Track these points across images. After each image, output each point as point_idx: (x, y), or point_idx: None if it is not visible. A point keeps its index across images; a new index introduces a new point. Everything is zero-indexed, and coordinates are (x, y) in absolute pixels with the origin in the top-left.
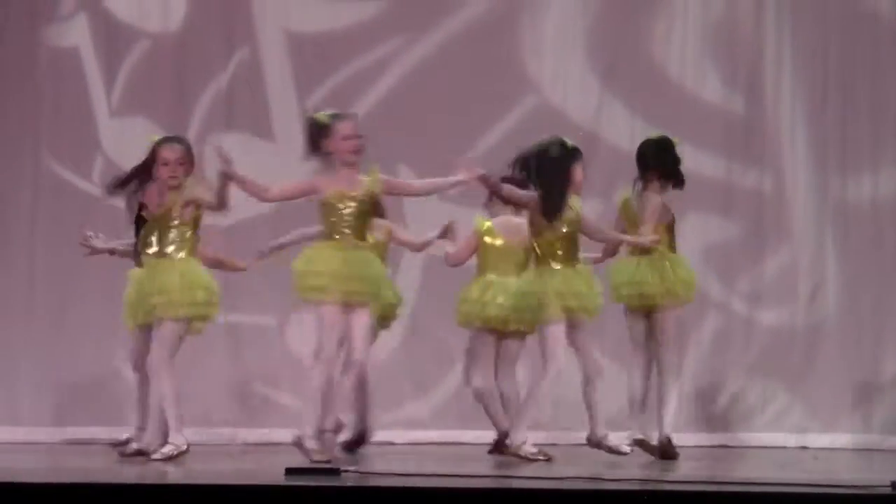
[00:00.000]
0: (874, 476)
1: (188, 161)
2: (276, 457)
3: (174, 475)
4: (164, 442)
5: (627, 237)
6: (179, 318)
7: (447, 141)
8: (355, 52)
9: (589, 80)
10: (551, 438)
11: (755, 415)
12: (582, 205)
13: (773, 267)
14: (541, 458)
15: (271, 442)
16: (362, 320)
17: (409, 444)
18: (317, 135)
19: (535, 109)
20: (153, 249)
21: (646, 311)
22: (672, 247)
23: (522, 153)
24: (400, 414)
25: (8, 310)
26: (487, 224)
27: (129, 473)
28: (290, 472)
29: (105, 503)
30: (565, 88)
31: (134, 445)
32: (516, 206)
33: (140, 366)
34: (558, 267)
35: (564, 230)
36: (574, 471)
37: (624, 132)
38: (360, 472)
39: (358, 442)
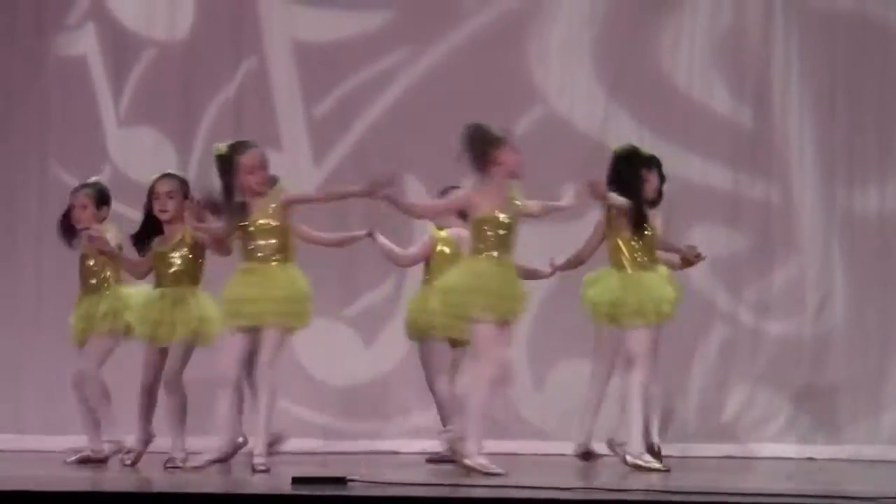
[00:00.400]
0: (880, 487)
1: (267, 164)
2: (283, 466)
3: (180, 484)
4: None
5: (682, 248)
6: (290, 327)
7: (453, 151)
8: (362, 62)
9: (595, 89)
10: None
11: (762, 425)
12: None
13: (781, 278)
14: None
15: (277, 451)
16: (509, 337)
17: (415, 453)
18: (486, 144)
19: (541, 119)
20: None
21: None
22: None
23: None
24: (406, 423)
25: (15, 318)
26: (443, 233)
27: (136, 482)
28: (296, 481)
29: None
30: (572, 98)
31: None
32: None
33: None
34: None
35: (647, 234)
36: (579, 482)
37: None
38: (367, 482)
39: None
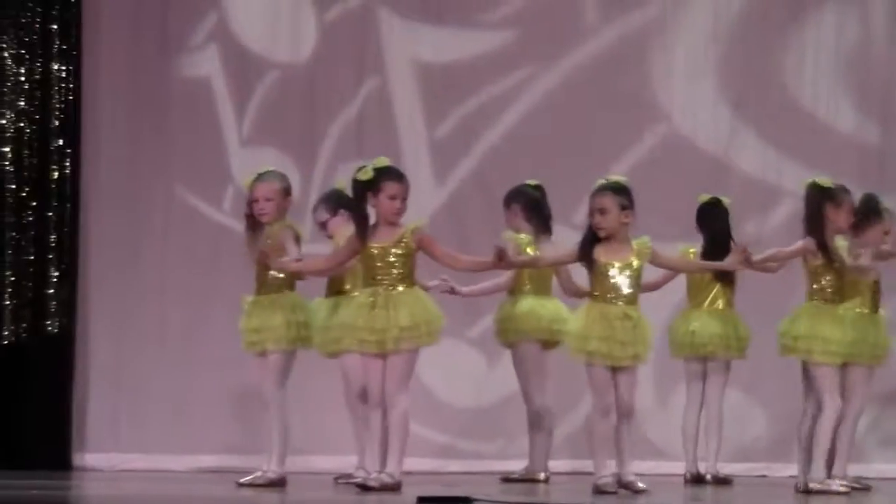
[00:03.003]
0: None
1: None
2: (407, 486)
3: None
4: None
5: None
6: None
7: (577, 170)
8: (484, 82)
9: (720, 108)
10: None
11: (887, 446)
12: None
13: None
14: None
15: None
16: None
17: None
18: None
19: (665, 138)
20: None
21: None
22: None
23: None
24: (525, 445)
25: (140, 338)
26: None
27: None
28: (421, 500)
29: None
30: (696, 117)
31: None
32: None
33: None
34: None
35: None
36: None
37: (755, 162)
38: (492, 501)
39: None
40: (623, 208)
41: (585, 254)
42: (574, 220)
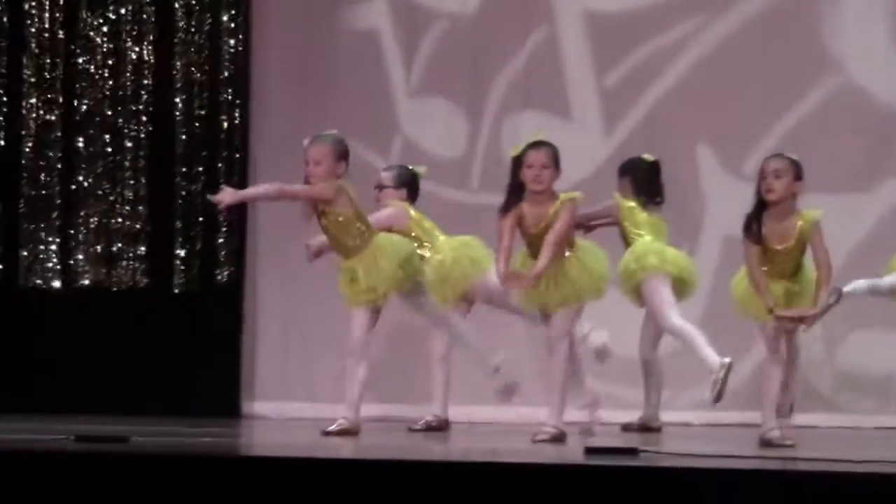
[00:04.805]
0: None
1: (553, 164)
2: (573, 437)
3: (469, 454)
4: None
5: None
6: None
7: (746, 121)
8: (653, 32)
9: (894, 57)
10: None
11: None
12: None
13: None
14: None
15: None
16: None
17: (705, 425)
18: None
19: (837, 89)
20: None
21: None
22: None
23: None
24: (696, 396)
25: (308, 287)
26: None
27: (433, 451)
28: (589, 451)
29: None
30: (871, 67)
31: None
32: None
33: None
34: None
35: None
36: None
37: None
38: (659, 453)
39: None
40: (796, 178)
41: (749, 225)
42: (742, 171)
